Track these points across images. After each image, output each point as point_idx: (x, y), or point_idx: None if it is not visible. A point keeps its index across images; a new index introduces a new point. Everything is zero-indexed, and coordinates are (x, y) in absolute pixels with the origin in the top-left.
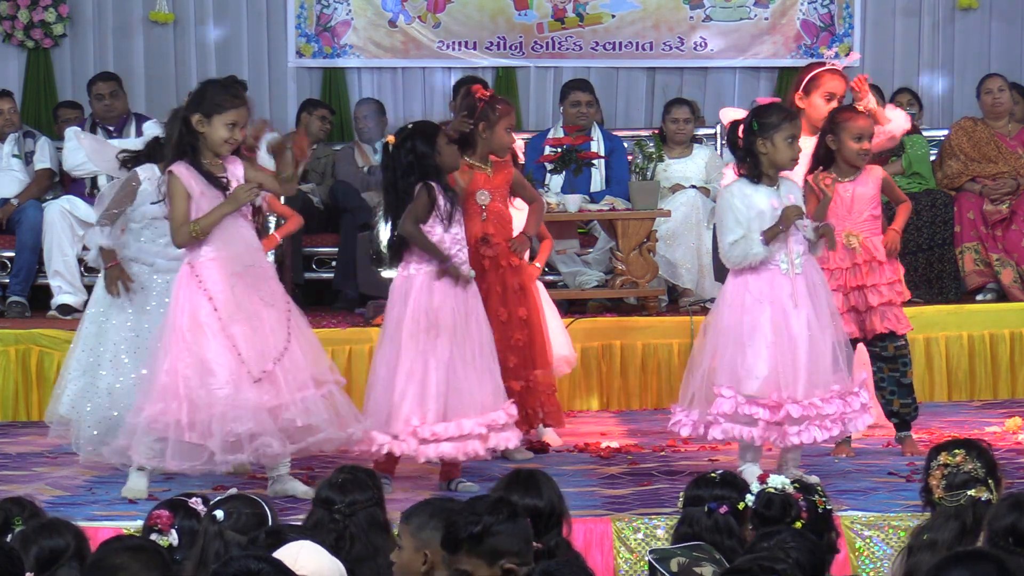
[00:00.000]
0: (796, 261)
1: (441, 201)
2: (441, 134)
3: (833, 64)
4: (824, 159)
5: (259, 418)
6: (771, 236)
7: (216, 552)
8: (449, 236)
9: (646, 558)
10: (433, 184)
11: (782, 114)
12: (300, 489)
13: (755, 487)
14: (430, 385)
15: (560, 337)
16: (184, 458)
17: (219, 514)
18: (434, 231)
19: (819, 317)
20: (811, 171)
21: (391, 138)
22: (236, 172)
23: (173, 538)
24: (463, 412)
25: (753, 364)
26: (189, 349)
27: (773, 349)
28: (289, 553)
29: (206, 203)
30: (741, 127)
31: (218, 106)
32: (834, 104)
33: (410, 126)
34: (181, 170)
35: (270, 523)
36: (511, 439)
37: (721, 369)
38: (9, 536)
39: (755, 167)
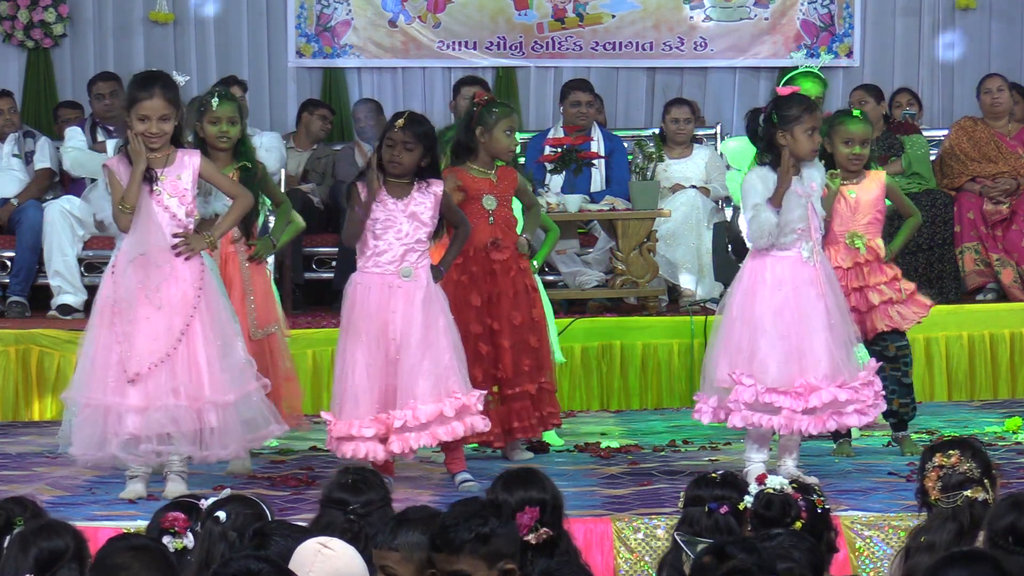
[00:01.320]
0: (818, 250)
1: (361, 204)
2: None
3: (808, 67)
4: (828, 163)
5: (127, 419)
6: (778, 198)
7: (221, 553)
8: (377, 235)
9: (674, 536)
10: (355, 184)
11: (802, 106)
12: (176, 490)
13: (753, 488)
14: (351, 384)
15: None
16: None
17: (222, 515)
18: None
19: (837, 309)
20: None
21: None
22: (187, 162)
23: (189, 540)
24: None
25: (768, 356)
26: (93, 336)
27: (787, 339)
28: (332, 549)
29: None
30: (761, 117)
31: (131, 100)
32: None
33: None
34: (114, 163)
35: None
36: (421, 438)
37: (737, 355)
38: (7, 540)
39: (777, 158)
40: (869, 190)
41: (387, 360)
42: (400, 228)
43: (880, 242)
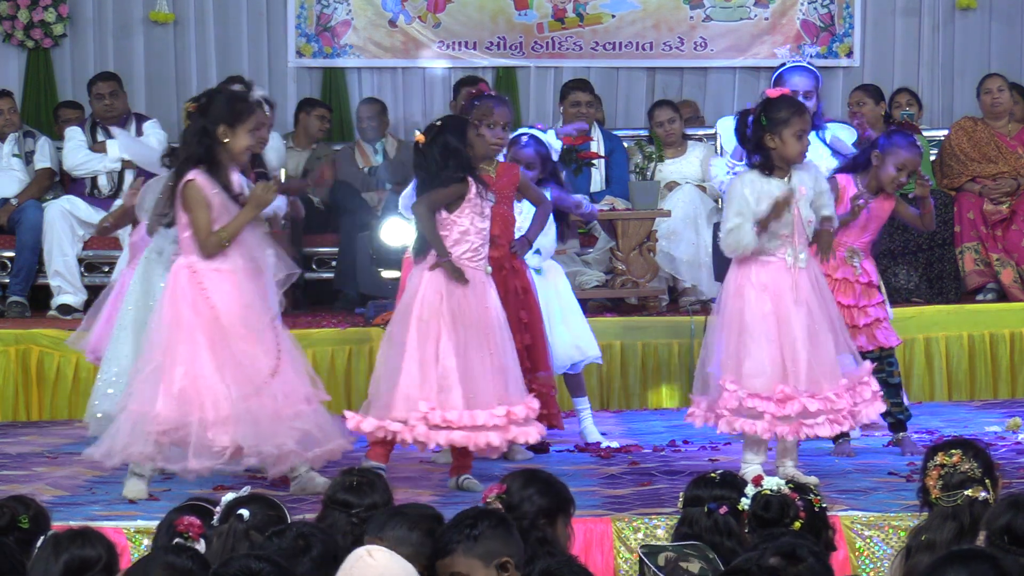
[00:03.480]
0: (801, 256)
1: (474, 194)
2: (470, 126)
3: (796, 61)
4: (862, 167)
5: (254, 430)
6: (763, 225)
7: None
8: (475, 228)
9: (637, 552)
10: (470, 177)
11: (791, 109)
12: (319, 482)
13: (750, 490)
14: (442, 373)
15: (588, 336)
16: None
17: (245, 513)
18: (460, 222)
19: (822, 312)
20: (839, 171)
21: (420, 136)
22: (238, 181)
23: (201, 546)
24: (477, 403)
25: (755, 361)
26: (195, 354)
27: (775, 344)
28: (373, 559)
29: (225, 215)
30: (750, 118)
31: (240, 114)
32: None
33: (439, 123)
34: (201, 179)
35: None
36: (531, 433)
37: (725, 361)
38: (40, 541)
39: (766, 160)
40: (882, 208)
41: (478, 352)
42: (482, 225)
43: (871, 266)
